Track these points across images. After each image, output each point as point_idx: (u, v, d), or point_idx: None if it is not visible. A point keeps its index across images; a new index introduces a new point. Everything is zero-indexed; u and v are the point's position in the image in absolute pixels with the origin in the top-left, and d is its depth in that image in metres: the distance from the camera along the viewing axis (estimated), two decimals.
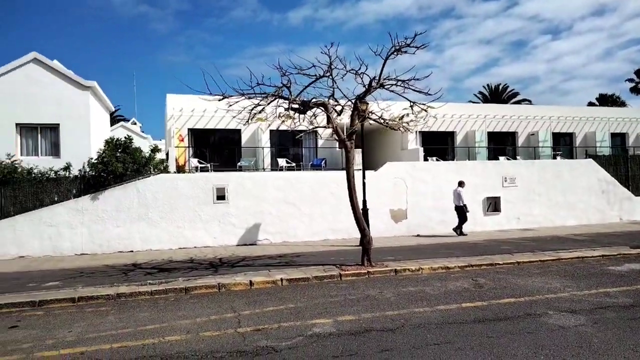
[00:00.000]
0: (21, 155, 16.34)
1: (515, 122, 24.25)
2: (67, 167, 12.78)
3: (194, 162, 19.35)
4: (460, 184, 15.04)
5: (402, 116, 10.30)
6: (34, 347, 5.54)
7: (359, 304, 7.06)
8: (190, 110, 20.47)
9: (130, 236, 12.88)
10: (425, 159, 19.85)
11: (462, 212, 14.76)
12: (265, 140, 20.29)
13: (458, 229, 14.76)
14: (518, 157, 22.92)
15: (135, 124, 36.42)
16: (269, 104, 9.63)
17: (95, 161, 12.91)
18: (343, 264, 9.90)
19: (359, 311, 6.62)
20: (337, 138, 9.89)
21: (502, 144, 24.32)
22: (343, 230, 14.53)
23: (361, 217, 9.85)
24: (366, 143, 15.13)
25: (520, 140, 24.50)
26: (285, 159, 19.63)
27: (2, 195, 12.19)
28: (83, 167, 12.88)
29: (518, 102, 44.27)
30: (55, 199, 12.53)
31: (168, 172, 14.39)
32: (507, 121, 24.13)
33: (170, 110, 20.52)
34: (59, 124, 17.32)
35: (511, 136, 24.68)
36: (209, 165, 18.92)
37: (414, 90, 9.58)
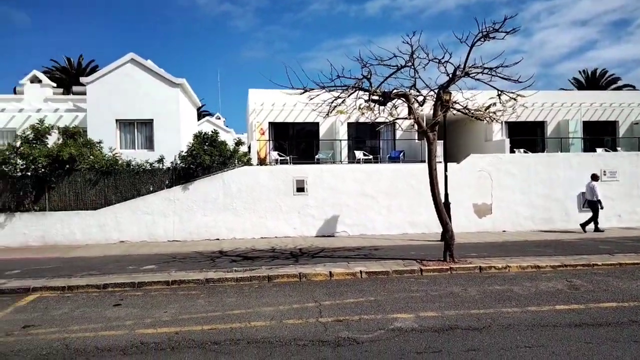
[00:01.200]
0: (120, 148, 17.79)
1: (615, 110, 22.10)
2: (160, 160, 13.72)
3: (274, 154, 19.90)
4: (594, 177, 14.04)
5: (489, 106, 9.78)
6: (135, 324, 6.03)
7: (441, 300, 6.86)
8: (270, 105, 21.05)
9: (216, 225, 13.58)
10: (512, 151, 18.76)
11: (595, 207, 13.73)
12: (342, 133, 20.35)
13: (589, 225, 13.79)
14: (619, 149, 20.89)
15: (219, 118, 38.23)
16: (349, 96, 9.60)
17: (185, 154, 13.72)
18: (424, 259, 9.67)
19: (441, 308, 6.43)
20: (418, 129, 9.63)
21: (599, 135, 22.29)
22: (422, 224, 14.20)
23: (443, 211, 9.54)
24: (448, 134, 14.59)
25: (622, 131, 22.30)
26: (362, 152, 19.55)
27: (105, 185, 13.39)
28: (174, 159, 13.75)
29: (618, 88, 40.33)
30: (150, 189, 13.51)
31: (251, 164, 14.93)
32: (606, 109, 22.07)
33: (252, 105, 21.25)
34: (152, 119, 18.64)
35: (610, 126, 22.54)
36: (288, 157, 19.36)
37: (501, 78, 9.06)
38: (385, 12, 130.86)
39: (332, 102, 9.98)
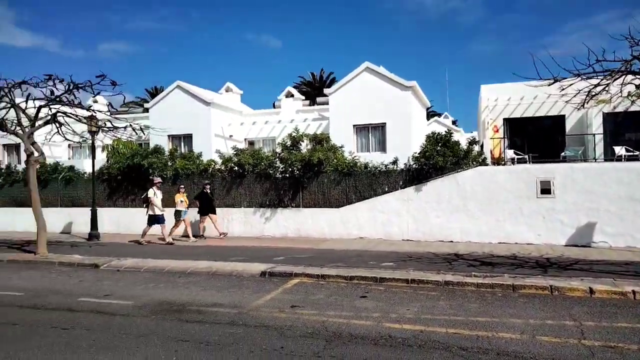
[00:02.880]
0: (356, 151, 19.24)
1: None
2: (394, 161, 14.28)
3: (510, 153, 18.47)
4: None
5: None
6: (382, 317, 6.36)
7: None
8: (505, 99, 19.64)
9: (449, 226, 13.35)
10: None
11: None
12: (596, 126, 17.49)
13: None
14: None
15: (447, 117, 37.72)
16: (613, 81, 8.14)
17: (418, 155, 13.93)
18: None
19: None
20: None
21: None
22: None
23: None
24: None
25: None
26: (624, 147, 16.38)
27: (346, 185, 14.68)
28: (408, 160, 14.11)
29: None
30: (386, 189, 14.19)
31: (486, 164, 14.18)
32: None
33: (484, 101, 20.22)
34: (385, 123, 19.59)
35: None
36: (526, 156, 17.69)
37: None
38: None
39: (589, 92, 8.64)
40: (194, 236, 14.96)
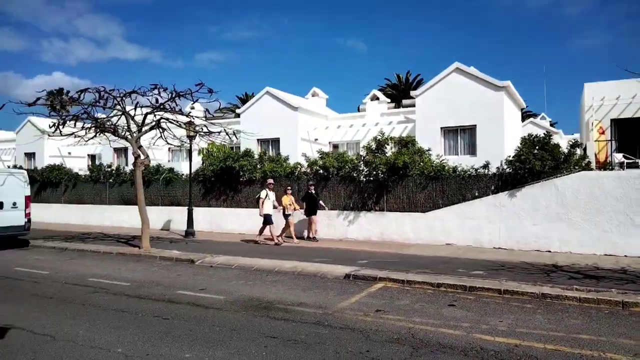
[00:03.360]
0: (444, 154, 18.60)
1: None
2: (485, 165, 13.59)
3: (618, 157, 16.80)
4: None
5: None
6: (472, 327, 6.06)
7: None
8: (613, 98, 17.91)
9: (547, 235, 12.42)
10: None
11: None
12: None
13: None
14: None
15: (544, 118, 35.18)
16: None
17: (512, 159, 13.14)
18: None
19: None
20: None
21: None
22: None
23: None
24: None
25: None
26: None
27: (432, 190, 14.25)
28: (500, 164, 13.36)
29: None
30: (476, 194, 13.55)
31: (590, 169, 12.99)
32: None
33: (588, 101, 18.60)
34: (475, 125, 18.74)
35: None
36: (638, 161, 15.96)
37: None
38: None
39: None
40: (297, 238, 14.97)
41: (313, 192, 15.09)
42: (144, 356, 5.10)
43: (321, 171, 16.16)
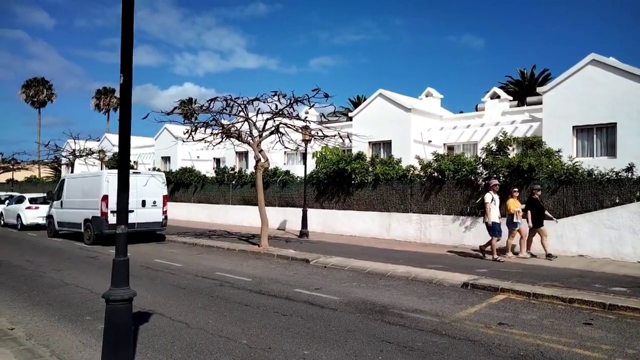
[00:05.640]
0: (576, 156, 16.81)
1: None
2: (629, 168, 11.98)
3: None
4: None
5: None
6: (614, 350, 5.37)
7: None
8: None
9: None
10: None
11: None
12: None
13: None
14: None
15: None
16: None
17: None
18: None
19: None
20: None
21: None
22: None
23: None
24: None
25: None
26: None
27: (564, 195, 12.94)
28: None
29: None
30: (616, 200, 12.01)
31: None
32: None
33: None
34: (615, 123, 16.63)
35: None
36: None
37: None
38: None
39: None
40: (513, 253, 12.40)
41: (538, 197, 12.30)
42: (266, 349, 5.37)
43: (435, 174, 15.62)
